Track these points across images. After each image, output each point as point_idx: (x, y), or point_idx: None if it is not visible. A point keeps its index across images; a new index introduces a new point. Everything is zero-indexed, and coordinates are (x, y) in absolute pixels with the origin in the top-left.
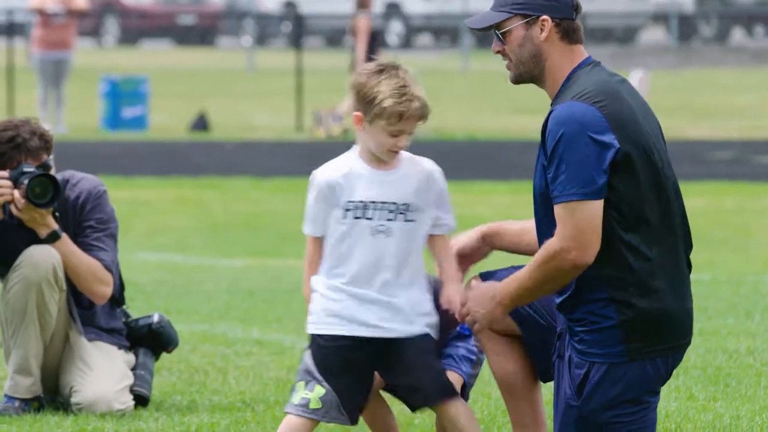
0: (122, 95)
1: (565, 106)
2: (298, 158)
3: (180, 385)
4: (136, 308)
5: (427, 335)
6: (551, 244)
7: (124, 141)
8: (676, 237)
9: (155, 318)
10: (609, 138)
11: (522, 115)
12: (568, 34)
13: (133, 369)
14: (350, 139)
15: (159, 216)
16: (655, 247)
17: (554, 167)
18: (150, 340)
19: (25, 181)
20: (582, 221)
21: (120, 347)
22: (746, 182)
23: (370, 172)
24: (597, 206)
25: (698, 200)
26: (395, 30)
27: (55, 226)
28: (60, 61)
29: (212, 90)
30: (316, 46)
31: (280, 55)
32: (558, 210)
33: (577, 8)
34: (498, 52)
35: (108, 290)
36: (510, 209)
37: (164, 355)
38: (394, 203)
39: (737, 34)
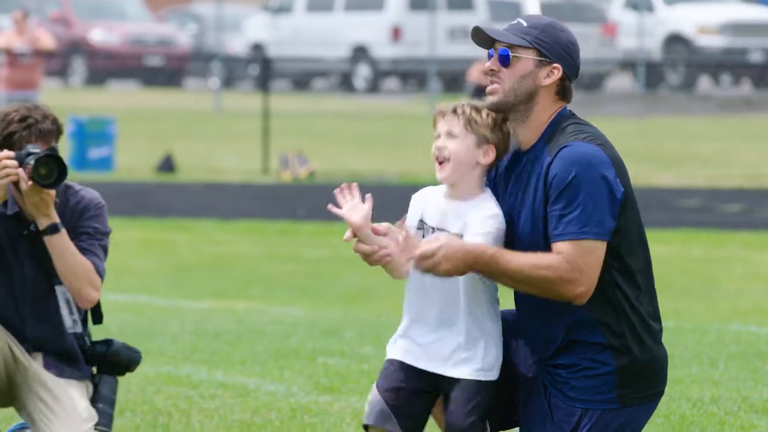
0: (89, 136)
1: (574, 147)
2: (265, 201)
3: (144, 427)
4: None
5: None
6: (559, 264)
7: (91, 181)
8: (654, 282)
9: (110, 344)
10: (616, 181)
11: None
12: (565, 91)
13: (94, 401)
14: (316, 182)
15: (124, 257)
16: (644, 294)
17: (563, 206)
18: (109, 366)
19: (32, 162)
20: (591, 262)
21: (80, 379)
22: (712, 230)
23: (443, 199)
24: (604, 249)
25: (664, 248)
26: (362, 74)
27: (57, 218)
28: (27, 101)
29: (179, 132)
30: (284, 89)
31: (247, 97)
32: (567, 246)
33: (578, 74)
34: (492, 70)
35: (96, 295)
36: None
37: (128, 397)
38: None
39: (704, 83)
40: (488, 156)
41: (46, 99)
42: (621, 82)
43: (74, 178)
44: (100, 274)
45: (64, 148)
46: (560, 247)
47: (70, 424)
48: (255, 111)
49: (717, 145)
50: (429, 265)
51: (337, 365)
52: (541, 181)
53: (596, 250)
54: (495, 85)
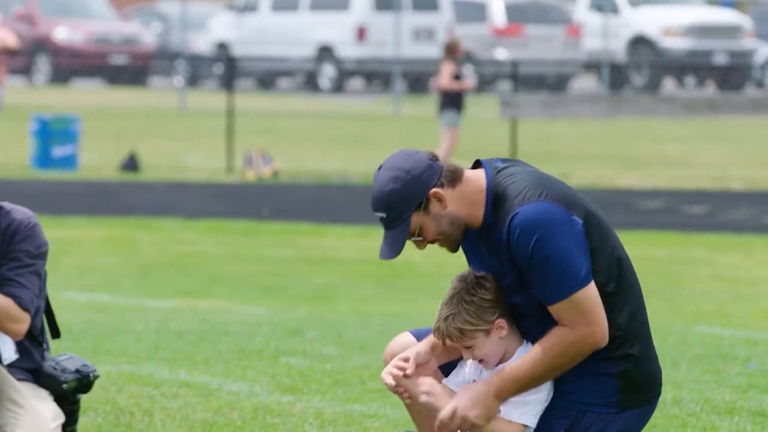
0: (53, 134)
1: (521, 214)
2: (229, 200)
3: (105, 427)
4: (64, 347)
5: None
6: (566, 334)
7: (54, 180)
8: (640, 288)
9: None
10: (572, 219)
11: (453, 160)
12: (452, 180)
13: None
14: (281, 181)
15: (88, 255)
16: (633, 300)
17: (540, 273)
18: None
19: None
20: (589, 308)
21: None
22: (676, 232)
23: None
24: (593, 288)
25: (628, 249)
26: (327, 74)
27: None
28: None
29: (143, 130)
30: (248, 88)
31: (211, 96)
32: (561, 306)
33: (433, 160)
34: (425, 245)
35: (22, 327)
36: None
37: (90, 396)
38: None
39: (668, 84)
40: (502, 328)
41: (9, 97)
42: (585, 84)
43: (38, 176)
44: (24, 305)
45: (28, 147)
46: (555, 310)
47: (40, 421)
48: (219, 110)
49: (681, 147)
50: (456, 427)
51: (299, 365)
52: (505, 250)
53: (587, 296)
54: (441, 246)
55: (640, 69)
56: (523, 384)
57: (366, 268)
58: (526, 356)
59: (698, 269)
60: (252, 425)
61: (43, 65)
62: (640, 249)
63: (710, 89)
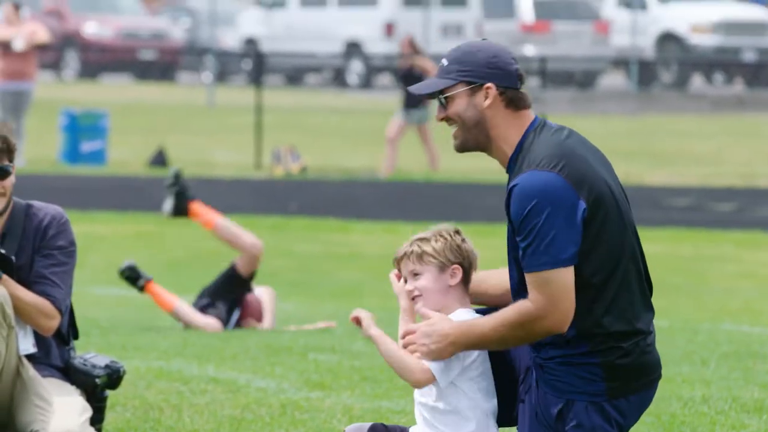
0: (81, 129)
1: (527, 178)
2: (257, 195)
3: (134, 422)
4: (92, 344)
5: None
6: (525, 308)
7: (83, 175)
8: (642, 283)
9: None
10: (575, 201)
11: (480, 156)
12: (514, 102)
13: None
14: (309, 177)
15: (116, 251)
16: (625, 295)
17: (523, 238)
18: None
19: None
20: (556, 290)
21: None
22: (703, 229)
23: None
24: (569, 274)
25: (655, 246)
26: (356, 69)
27: None
28: (20, 92)
29: (172, 126)
30: (277, 84)
31: (240, 92)
32: (530, 278)
33: (521, 78)
34: (442, 119)
35: (54, 323)
36: None
37: (119, 392)
38: None
39: (697, 81)
40: (456, 276)
41: (39, 92)
42: (614, 80)
43: (67, 171)
44: (57, 304)
45: (57, 141)
46: (529, 278)
47: (68, 416)
48: (248, 105)
49: (709, 144)
50: (412, 341)
51: (328, 361)
52: (506, 211)
53: (558, 279)
54: (453, 130)
55: (668, 66)
56: (477, 342)
57: (393, 264)
58: (488, 318)
59: (725, 266)
60: (280, 421)
61: (72, 60)
62: (667, 246)
63: (739, 86)
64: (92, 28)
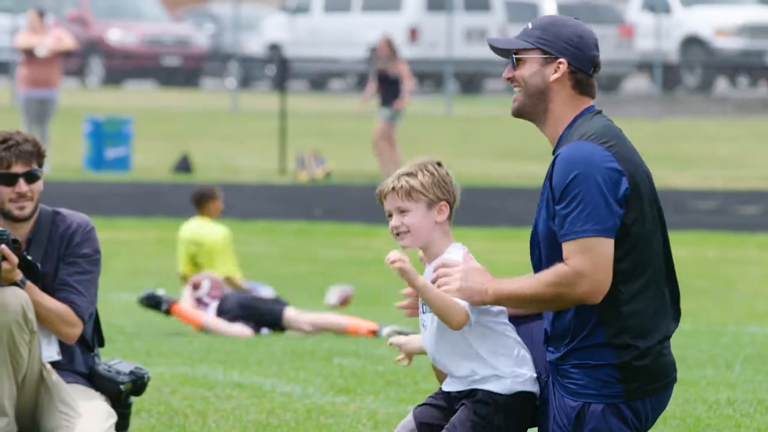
0: (106, 136)
1: (574, 146)
2: (281, 201)
3: (159, 428)
4: (117, 349)
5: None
6: (563, 270)
7: (107, 181)
8: (671, 282)
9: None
10: (620, 176)
11: (505, 161)
12: (581, 84)
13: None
14: (333, 182)
15: (140, 257)
16: (651, 290)
17: (565, 205)
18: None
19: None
20: (596, 258)
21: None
22: (728, 232)
23: (426, 266)
24: (610, 245)
25: (680, 249)
26: None
27: (21, 275)
28: (45, 99)
29: (196, 132)
30: (301, 90)
31: (264, 97)
32: (570, 246)
33: (596, 66)
34: (509, 78)
35: (76, 331)
36: (490, 255)
37: (144, 397)
38: None
39: (721, 85)
40: (443, 212)
41: (63, 99)
42: (638, 84)
43: (91, 178)
44: (80, 312)
45: (81, 148)
46: (566, 248)
47: (93, 422)
48: (272, 111)
49: (734, 147)
50: (443, 274)
51: (352, 366)
52: (547, 180)
53: (600, 247)
54: (516, 92)
55: (692, 69)
56: (514, 298)
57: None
58: (527, 277)
59: (750, 269)
60: (305, 426)
61: (96, 67)
62: (692, 249)
63: (763, 89)
64: (116, 35)
